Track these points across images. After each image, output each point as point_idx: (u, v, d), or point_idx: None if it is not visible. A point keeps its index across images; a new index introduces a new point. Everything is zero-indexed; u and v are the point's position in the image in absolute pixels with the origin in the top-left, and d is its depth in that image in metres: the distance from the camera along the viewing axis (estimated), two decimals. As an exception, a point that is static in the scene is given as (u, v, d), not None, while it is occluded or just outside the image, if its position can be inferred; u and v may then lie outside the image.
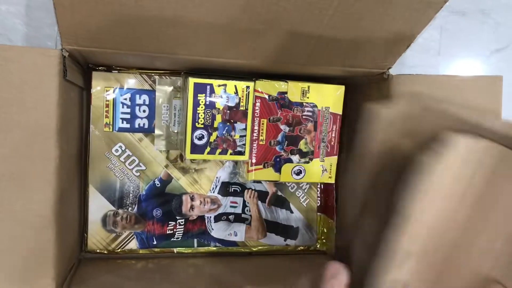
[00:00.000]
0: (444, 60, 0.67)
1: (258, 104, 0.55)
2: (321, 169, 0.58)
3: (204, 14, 0.41)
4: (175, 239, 0.59)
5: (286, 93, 0.56)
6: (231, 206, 0.61)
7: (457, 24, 0.67)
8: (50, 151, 0.43)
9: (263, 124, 0.55)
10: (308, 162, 0.57)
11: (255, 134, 0.55)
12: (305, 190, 0.63)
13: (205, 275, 0.55)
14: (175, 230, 0.59)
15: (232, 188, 0.61)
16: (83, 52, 0.47)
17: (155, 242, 0.58)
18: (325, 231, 0.64)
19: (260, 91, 0.55)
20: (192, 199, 0.59)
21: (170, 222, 0.59)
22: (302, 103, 0.56)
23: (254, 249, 0.62)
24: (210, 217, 0.60)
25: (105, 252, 0.57)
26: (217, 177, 0.60)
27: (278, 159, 0.57)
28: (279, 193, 0.62)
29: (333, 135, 0.58)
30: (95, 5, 0.39)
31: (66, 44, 0.45)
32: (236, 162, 0.60)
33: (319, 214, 0.64)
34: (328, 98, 0.57)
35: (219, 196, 0.60)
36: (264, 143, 0.56)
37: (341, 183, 0.63)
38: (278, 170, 0.57)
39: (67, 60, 0.45)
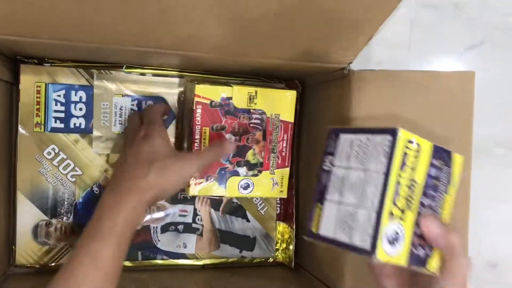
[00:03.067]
0: (415, 57, 0.63)
1: (199, 110, 0.49)
2: (272, 183, 0.52)
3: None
4: (116, 252, 0.53)
5: (231, 98, 0.50)
6: (180, 215, 0.55)
7: (429, 18, 0.63)
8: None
9: (205, 133, 0.50)
10: (256, 175, 0.52)
11: (196, 145, 0.49)
12: (264, 197, 0.57)
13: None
14: (116, 241, 0.53)
15: (182, 195, 0.55)
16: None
17: (93, 255, 0.52)
18: (284, 241, 0.59)
19: (201, 96, 0.49)
20: (136, 207, 0.53)
21: (111, 233, 0.53)
22: (249, 110, 0.51)
23: (206, 262, 0.56)
24: (156, 227, 0.54)
25: (37, 266, 0.52)
26: (164, 183, 0.54)
27: (223, 172, 0.51)
28: (235, 200, 0.57)
29: (285, 145, 0.53)
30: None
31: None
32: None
33: (278, 222, 0.59)
34: (278, 104, 0.52)
35: (167, 204, 0.55)
36: (208, 152, 0.50)
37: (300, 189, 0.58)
38: (223, 184, 0.51)
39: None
